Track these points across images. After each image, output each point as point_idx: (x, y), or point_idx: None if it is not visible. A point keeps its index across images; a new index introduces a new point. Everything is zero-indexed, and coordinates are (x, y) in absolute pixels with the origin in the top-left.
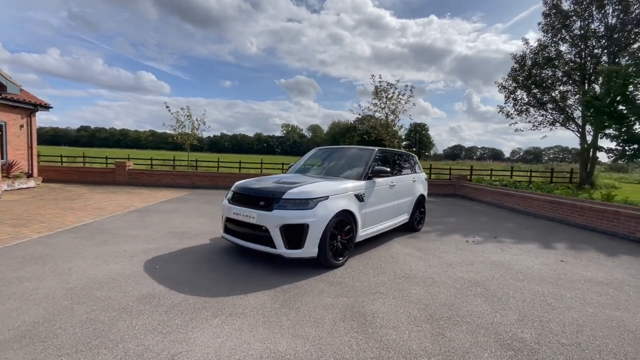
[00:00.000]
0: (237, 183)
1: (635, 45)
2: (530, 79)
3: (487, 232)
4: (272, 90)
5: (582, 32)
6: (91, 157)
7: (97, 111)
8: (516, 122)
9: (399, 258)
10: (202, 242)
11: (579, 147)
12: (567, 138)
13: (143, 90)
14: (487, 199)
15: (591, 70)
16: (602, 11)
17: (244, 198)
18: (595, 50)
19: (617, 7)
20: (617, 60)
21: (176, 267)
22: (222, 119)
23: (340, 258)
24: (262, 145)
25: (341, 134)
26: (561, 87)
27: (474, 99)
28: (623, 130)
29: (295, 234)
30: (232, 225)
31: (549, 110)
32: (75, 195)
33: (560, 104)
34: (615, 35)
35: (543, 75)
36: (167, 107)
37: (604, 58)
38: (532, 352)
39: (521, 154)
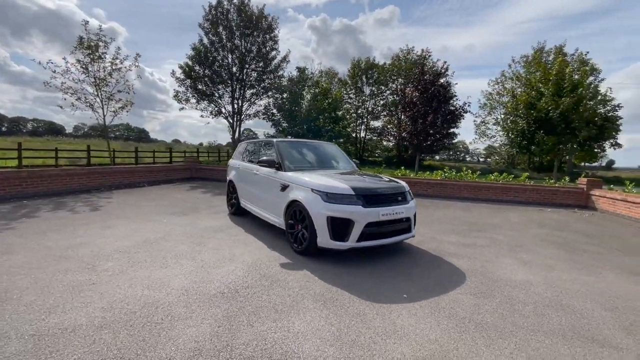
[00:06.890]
0: (352, 186)
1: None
2: (200, 74)
3: None
4: None
5: (227, 45)
6: None
7: None
8: (184, 107)
9: None
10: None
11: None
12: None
13: None
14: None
15: (231, 77)
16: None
17: (385, 198)
18: (232, 63)
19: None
20: (244, 71)
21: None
22: None
23: None
24: None
25: None
26: (220, 86)
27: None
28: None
29: (415, 218)
30: (375, 229)
31: (213, 103)
32: None
33: (217, 100)
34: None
35: (210, 72)
36: None
37: (235, 69)
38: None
39: (86, 129)
